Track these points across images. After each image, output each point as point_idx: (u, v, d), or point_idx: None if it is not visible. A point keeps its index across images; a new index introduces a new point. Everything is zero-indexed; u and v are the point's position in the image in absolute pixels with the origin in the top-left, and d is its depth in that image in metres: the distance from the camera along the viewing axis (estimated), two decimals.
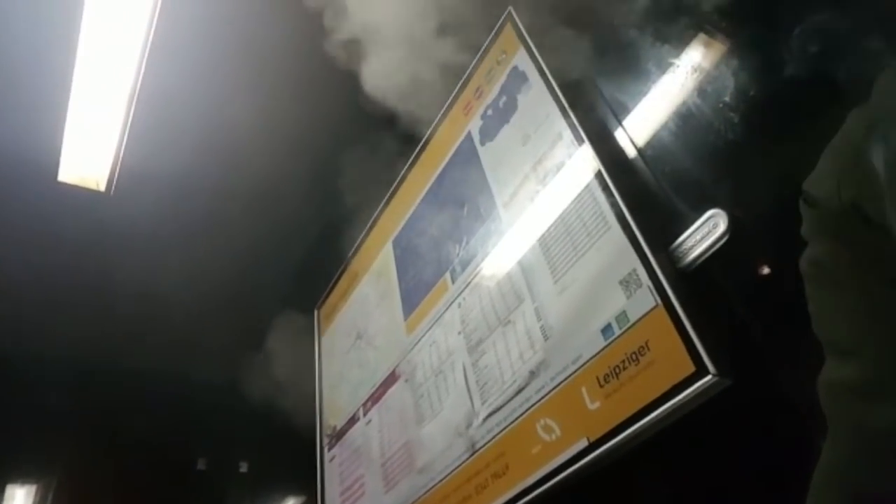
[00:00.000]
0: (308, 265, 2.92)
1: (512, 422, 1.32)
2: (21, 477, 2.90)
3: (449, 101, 1.90)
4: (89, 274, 2.79)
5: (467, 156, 1.75)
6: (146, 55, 2.05)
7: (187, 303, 2.81)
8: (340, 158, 2.18)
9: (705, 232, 1.04)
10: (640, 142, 1.26)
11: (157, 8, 1.93)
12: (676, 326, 1.00)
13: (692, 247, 1.06)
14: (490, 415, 1.39)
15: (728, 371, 0.93)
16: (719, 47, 1.15)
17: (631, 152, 1.27)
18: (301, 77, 2.29)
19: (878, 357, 0.50)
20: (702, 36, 1.18)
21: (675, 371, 0.99)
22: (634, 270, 1.11)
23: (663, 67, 1.24)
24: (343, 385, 2.20)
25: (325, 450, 2.21)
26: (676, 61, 1.21)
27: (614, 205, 1.19)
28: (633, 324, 1.09)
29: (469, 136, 1.76)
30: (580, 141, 1.32)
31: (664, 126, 1.21)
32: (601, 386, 1.12)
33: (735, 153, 1.07)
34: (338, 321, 2.39)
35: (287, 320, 2.57)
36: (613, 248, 1.17)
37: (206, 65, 2.23)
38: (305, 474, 2.28)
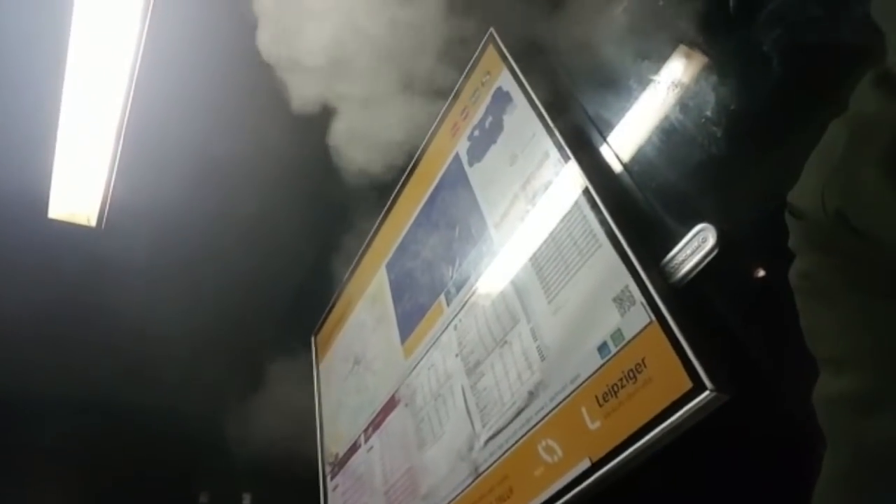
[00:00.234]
0: (303, 293, 2.91)
1: (513, 444, 1.31)
2: None
3: (436, 123, 1.91)
4: (83, 309, 2.77)
5: (456, 177, 1.75)
6: (133, 89, 2.05)
7: (183, 335, 2.80)
8: (333, 185, 2.18)
9: (695, 246, 1.04)
10: (627, 158, 1.26)
11: (142, 42, 1.94)
12: (672, 342, 1.00)
13: (683, 262, 1.06)
14: (491, 437, 1.38)
15: (726, 386, 0.93)
16: (701, 62, 1.16)
17: (618, 169, 1.27)
18: (290, 105, 2.30)
19: (872, 369, 0.50)
20: (683, 50, 1.19)
21: (673, 388, 0.98)
22: (627, 287, 1.11)
23: (646, 83, 1.25)
24: (343, 412, 2.18)
25: (328, 478, 2.19)
26: (659, 77, 1.22)
27: (604, 222, 1.19)
28: (629, 341, 1.08)
29: (457, 158, 1.76)
30: (567, 159, 1.33)
31: (650, 142, 1.22)
32: (600, 405, 1.12)
33: (720, 167, 1.08)
34: (335, 347, 2.38)
35: (284, 349, 2.56)
36: (605, 266, 1.17)
37: (194, 96, 2.23)
38: None
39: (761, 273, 0.98)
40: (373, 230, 2.22)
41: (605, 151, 1.31)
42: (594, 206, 1.22)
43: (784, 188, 0.59)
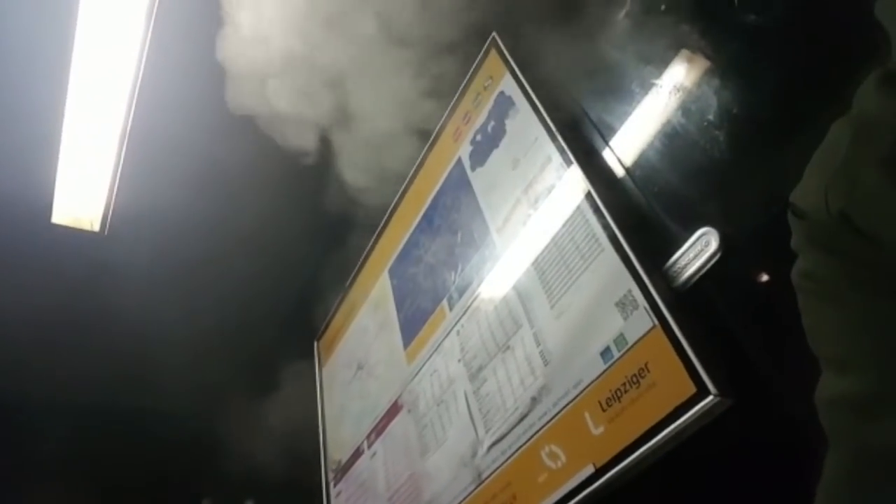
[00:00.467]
0: (306, 298, 2.91)
1: (517, 450, 1.30)
2: None
3: (438, 127, 1.91)
4: (86, 314, 2.77)
5: (459, 182, 1.75)
6: (136, 94, 2.06)
7: (186, 340, 2.79)
8: (335, 190, 2.18)
9: (698, 250, 1.04)
10: (629, 162, 1.26)
11: (145, 47, 1.95)
12: (675, 347, 1.00)
13: (685, 266, 1.06)
14: (495, 443, 1.37)
15: (729, 391, 0.92)
16: (703, 65, 1.16)
17: (620, 173, 1.27)
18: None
19: (874, 369, 0.49)
20: (685, 54, 1.19)
21: (677, 392, 0.98)
22: (630, 292, 1.10)
23: (648, 87, 1.25)
24: (346, 417, 2.17)
25: (331, 485, 2.18)
26: (660, 81, 1.22)
27: (606, 226, 1.19)
28: (632, 346, 1.08)
29: (459, 162, 1.76)
30: (569, 163, 1.33)
31: (652, 146, 1.21)
32: (604, 410, 1.11)
33: (723, 170, 1.07)
34: (338, 353, 2.37)
35: (287, 354, 2.55)
36: (608, 270, 1.16)
37: (197, 101, 2.24)
38: None
39: (764, 277, 0.98)
40: (375, 235, 2.22)
41: (608, 155, 1.31)
42: (596, 210, 1.22)
43: (787, 192, 0.58)
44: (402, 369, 1.83)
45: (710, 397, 0.92)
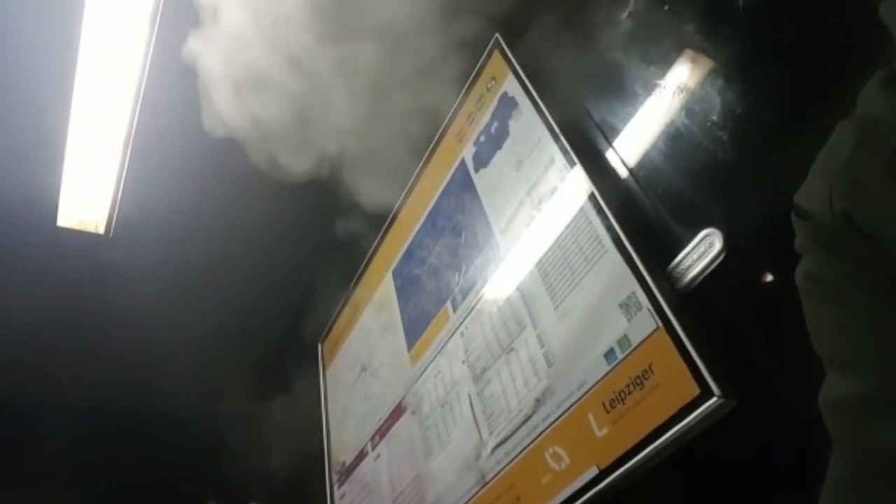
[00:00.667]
0: (310, 300, 2.91)
1: (521, 451, 1.30)
2: None
3: (441, 128, 1.91)
4: (91, 316, 2.78)
5: (462, 183, 1.75)
6: (141, 97, 2.07)
7: (191, 342, 2.80)
8: (340, 192, 2.18)
9: (701, 251, 1.04)
10: (632, 163, 1.26)
11: (150, 50, 1.95)
12: (678, 348, 0.99)
13: (689, 267, 1.05)
14: (498, 445, 1.37)
15: (733, 392, 0.92)
16: (706, 66, 1.16)
17: (623, 174, 1.27)
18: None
19: (878, 370, 0.49)
20: (689, 55, 1.19)
21: (681, 394, 0.97)
22: (633, 293, 1.10)
23: (651, 88, 1.25)
24: (350, 419, 2.18)
25: (335, 487, 2.18)
26: (664, 81, 1.22)
27: (609, 227, 1.19)
28: (636, 347, 1.08)
29: (463, 164, 1.76)
30: (572, 164, 1.32)
31: (655, 147, 1.21)
32: (607, 412, 1.11)
33: (726, 171, 1.07)
34: (342, 354, 2.37)
35: (291, 356, 2.56)
36: (611, 272, 1.16)
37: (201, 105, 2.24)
38: None
39: (768, 278, 0.98)
40: (379, 237, 2.22)
41: (611, 156, 1.31)
42: (600, 211, 1.22)
43: (790, 192, 0.58)
44: (406, 371, 1.83)
45: (714, 398, 0.92)
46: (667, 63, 1.22)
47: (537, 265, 1.37)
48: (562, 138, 1.38)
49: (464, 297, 1.62)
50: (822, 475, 0.53)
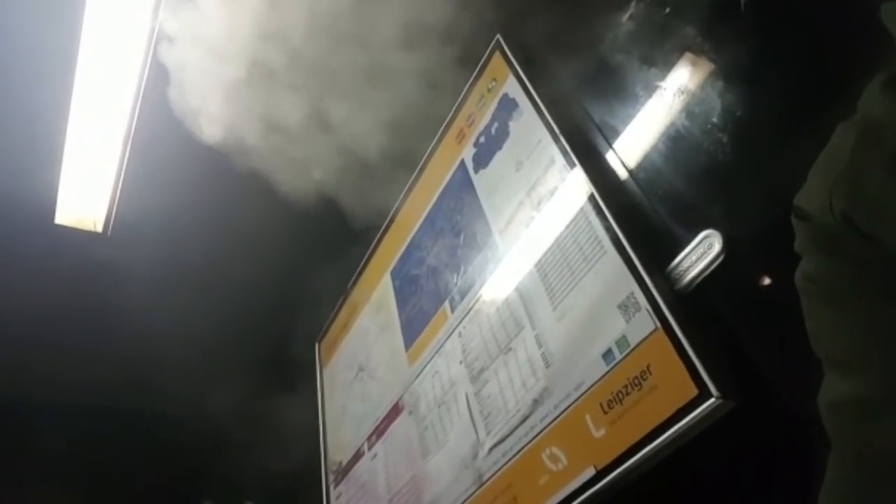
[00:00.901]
0: (308, 300, 2.91)
1: (518, 452, 1.30)
2: None
3: (441, 129, 1.91)
4: (88, 315, 2.76)
5: (462, 184, 1.75)
6: (140, 96, 2.07)
7: (189, 342, 2.79)
8: (338, 192, 2.18)
9: (700, 253, 1.04)
10: (632, 165, 1.26)
11: (150, 50, 1.95)
12: (677, 349, 0.99)
13: (688, 268, 1.06)
14: (495, 445, 1.37)
15: (732, 393, 0.92)
16: (706, 68, 1.16)
17: (623, 175, 1.27)
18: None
19: (877, 371, 0.49)
20: (689, 57, 1.19)
21: (679, 395, 0.97)
22: (632, 294, 1.10)
23: (652, 90, 1.25)
24: (347, 419, 2.17)
25: (332, 487, 2.17)
26: (664, 83, 1.22)
27: (609, 228, 1.19)
28: (634, 348, 1.08)
29: (463, 164, 1.76)
30: (572, 165, 1.33)
31: (655, 148, 1.21)
32: (605, 412, 1.11)
33: (726, 173, 1.07)
34: (339, 354, 2.37)
35: (288, 356, 2.55)
36: (610, 272, 1.16)
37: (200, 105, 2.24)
38: None
39: (767, 279, 0.98)
40: (378, 237, 2.22)
41: (611, 158, 1.31)
42: (599, 212, 1.22)
43: (790, 194, 0.58)
44: (404, 371, 1.83)
45: (712, 399, 0.92)
46: (667, 65, 1.22)
47: (536, 265, 1.37)
48: (562, 139, 1.38)
49: (462, 298, 1.62)
50: (820, 476, 0.53)
